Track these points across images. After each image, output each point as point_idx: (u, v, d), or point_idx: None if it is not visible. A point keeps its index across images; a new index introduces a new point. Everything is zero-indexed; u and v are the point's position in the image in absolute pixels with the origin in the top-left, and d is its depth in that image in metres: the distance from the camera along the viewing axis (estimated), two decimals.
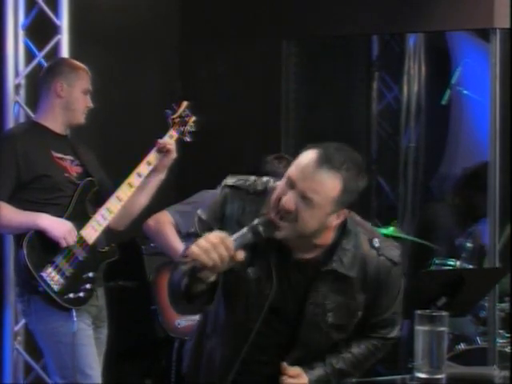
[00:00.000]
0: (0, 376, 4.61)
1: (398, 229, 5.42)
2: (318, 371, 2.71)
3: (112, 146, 4.96)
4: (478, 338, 4.84)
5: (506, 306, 4.67)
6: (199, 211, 2.71)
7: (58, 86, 4.00)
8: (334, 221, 2.55)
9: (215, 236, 2.44)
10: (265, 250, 2.59)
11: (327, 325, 2.65)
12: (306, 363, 2.71)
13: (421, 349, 2.34)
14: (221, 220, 2.63)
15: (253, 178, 2.69)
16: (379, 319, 2.73)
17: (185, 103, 4.19)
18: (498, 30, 4.61)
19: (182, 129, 4.14)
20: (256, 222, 2.50)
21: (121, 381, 5.16)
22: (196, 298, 2.57)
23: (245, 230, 2.49)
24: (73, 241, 3.84)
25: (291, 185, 2.49)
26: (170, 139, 4.08)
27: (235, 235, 2.47)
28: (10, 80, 4.62)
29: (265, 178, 2.69)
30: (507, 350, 4.46)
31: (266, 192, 2.62)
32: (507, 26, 4.33)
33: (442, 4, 4.88)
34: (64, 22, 4.67)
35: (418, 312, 2.40)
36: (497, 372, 2.78)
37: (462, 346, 4.69)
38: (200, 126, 4.22)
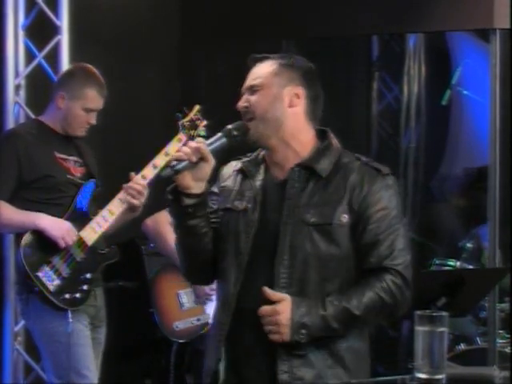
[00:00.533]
0: (0, 376, 4.62)
1: None
2: (309, 305, 2.55)
3: (112, 146, 4.96)
4: (478, 339, 4.84)
5: (506, 306, 4.67)
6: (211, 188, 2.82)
7: (60, 97, 3.97)
8: (294, 100, 2.67)
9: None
10: (252, 182, 2.71)
11: (308, 223, 2.60)
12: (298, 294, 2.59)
13: (421, 349, 2.34)
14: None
15: None
16: (374, 239, 2.61)
17: (197, 107, 4.12)
18: (497, 31, 4.61)
19: (191, 133, 4.08)
20: (229, 126, 2.68)
21: (120, 381, 5.16)
22: (195, 229, 2.65)
23: (219, 134, 2.68)
24: (71, 241, 3.84)
25: (243, 92, 2.74)
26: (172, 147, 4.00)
27: (210, 140, 2.66)
28: (10, 80, 4.63)
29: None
30: (507, 350, 4.47)
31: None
32: (507, 26, 4.33)
33: (442, 4, 4.88)
34: (64, 22, 4.68)
35: (418, 312, 2.39)
36: (497, 372, 2.78)
37: (462, 347, 4.70)
38: (211, 131, 4.19)
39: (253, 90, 2.70)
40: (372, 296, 2.58)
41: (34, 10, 4.68)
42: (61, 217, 3.87)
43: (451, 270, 4.66)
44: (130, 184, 3.91)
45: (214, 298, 4.40)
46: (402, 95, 6.61)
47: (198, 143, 2.62)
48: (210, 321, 4.27)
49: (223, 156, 2.72)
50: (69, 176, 3.95)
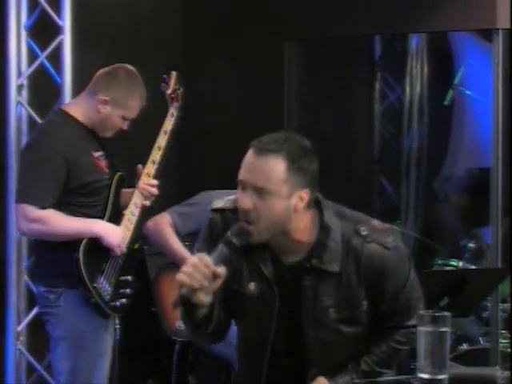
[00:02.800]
0: (2, 376, 4.61)
1: (401, 229, 5.42)
2: (343, 378, 2.67)
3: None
4: (480, 339, 4.84)
5: (508, 306, 4.67)
6: (196, 244, 2.78)
7: (101, 102, 3.80)
8: (299, 204, 2.56)
9: (194, 257, 2.50)
10: (258, 262, 2.64)
11: (332, 320, 2.65)
12: (330, 372, 2.68)
13: (423, 349, 2.34)
14: (213, 244, 2.63)
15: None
16: (392, 307, 2.69)
17: (174, 74, 4.09)
18: (500, 31, 4.61)
19: (177, 104, 4.05)
20: (228, 234, 2.54)
21: (123, 380, 5.16)
22: (207, 323, 2.62)
23: (220, 245, 2.53)
24: (125, 248, 3.79)
25: (243, 186, 2.56)
26: (171, 119, 4.01)
27: (213, 254, 2.52)
28: (13, 80, 4.62)
29: None
30: (509, 350, 4.46)
31: None
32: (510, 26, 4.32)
33: (445, 4, 4.88)
34: (66, 22, 4.67)
35: (421, 312, 2.39)
36: (499, 372, 2.78)
37: (465, 347, 4.69)
38: (187, 98, 4.13)
39: (259, 192, 2.52)
40: (391, 351, 2.73)
41: (36, 10, 4.68)
42: (100, 218, 3.79)
43: (454, 270, 4.66)
44: (144, 186, 3.88)
45: None
46: (405, 95, 6.61)
47: (204, 261, 2.48)
48: None
49: None
50: (106, 176, 3.84)
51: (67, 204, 3.75)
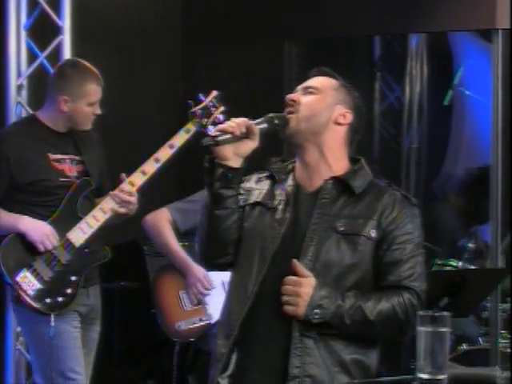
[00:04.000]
0: (2, 376, 4.62)
1: None
2: (327, 291, 2.60)
3: (112, 147, 4.96)
4: (480, 339, 4.84)
5: (508, 306, 4.67)
6: None
7: (62, 101, 3.85)
8: (340, 119, 2.72)
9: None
10: (280, 184, 2.73)
11: (338, 231, 2.65)
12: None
13: (423, 349, 2.33)
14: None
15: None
16: (397, 258, 2.66)
17: (214, 93, 3.98)
18: (500, 31, 4.61)
19: (204, 121, 3.93)
20: (271, 114, 2.69)
21: (123, 381, 5.16)
22: (221, 196, 2.65)
23: (262, 119, 2.69)
24: (51, 245, 3.77)
25: (297, 90, 2.77)
26: (182, 136, 3.91)
27: (253, 121, 2.65)
28: (12, 81, 4.63)
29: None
30: (509, 350, 4.46)
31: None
32: (509, 26, 4.32)
33: (444, 5, 4.88)
34: (66, 22, 4.68)
35: (421, 312, 2.39)
36: (499, 373, 2.78)
37: (465, 347, 4.69)
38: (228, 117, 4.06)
39: (308, 91, 2.75)
40: (387, 306, 2.64)
41: (36, 11, 4.68)
42: (50, 217, 3.83)
43: (453, 271, 4.66)
44: (116, 192, 3.84)
45: (209, 298, 4.39)
46: (404, 96, 6.61)
47: (244, 119, 2.64)
48: (213, 321, 4.29)
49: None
50: (62, 179, 3.87)
51: (19, 202, 3.83)
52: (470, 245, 5.05)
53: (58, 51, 4.66)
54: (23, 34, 4.66)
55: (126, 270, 5.03)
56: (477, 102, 5.82)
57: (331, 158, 2.73)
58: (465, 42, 6.27)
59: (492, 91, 4.62)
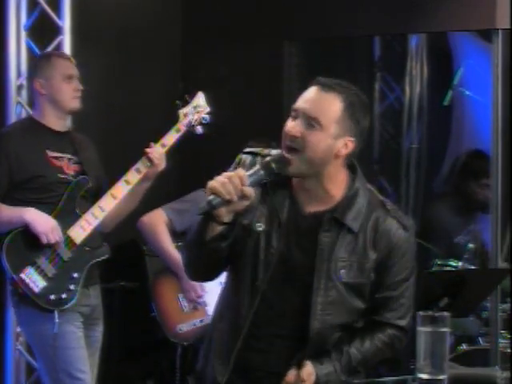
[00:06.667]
0: (2, 376, 4.61)
1: None
2: (327, 368, 2.65)
3: (113, 147, 4.96)
4: (480, 339, 4.84)
5: (508, 306, 4.67)
6: None
7: (38, 84, 3.96)
8: (342, 150, 2.62)
9: (230, 171, 2.56)
10: (276, 204, 2.66)
11: (342, 282, 2.64)
12: (321, 343, 2.66)
13: (423, 349, 2.34)
14: None
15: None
16: (387, 295, 2.68)
17: (200, 93, 4.04)
18: (500, 31, 4.60)
19: (192, 121, 3.98)
20: (268, 158, 2.59)
21: (123, 381, 5.16)
22: (212, 244, 2.58)
23: (258, 166, 2.58)
24: (55, 239, 3.78)
25: (296, 116, 2.61)
26: (166, 142, 3.95)
27: (248, 172, 2.56)
28: (13, 80, 4.63)
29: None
30: (509, 350, 4.46)
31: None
32: (509, 26, 4.32)
33: (444, 5, 4.88)
34: (66, 22, 4.68)
35: (421, 313, 2.40)
36: (499, 373, 2.78)
37: (464, 347, 4.69)
38: (215, 118, 4.05)
39: (311, 123, 2.59)
40: (373, 350, 2.71)
41: (36, 11, 4.68)
42: (50, 215, 3.84)
43: (453, 271, 4.65)
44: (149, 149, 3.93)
45: (209, 299, 4.38)
46: (404, 96, 6.61)
47: (240, 175, 2.52)
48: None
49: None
50: (60, 175, 3.90)
51: (17, 200, 3.85)
52: (470, 245, 5.05)
53: (58, 51, 4.65)
54: (23, 33, 4.66)
55: (125, 270, 5.02)
56: (477, 102, 5.82)
57: (331, 185, 2.67)
58: (465, 42, 6.26)
59: (492, 91, 4.62)
